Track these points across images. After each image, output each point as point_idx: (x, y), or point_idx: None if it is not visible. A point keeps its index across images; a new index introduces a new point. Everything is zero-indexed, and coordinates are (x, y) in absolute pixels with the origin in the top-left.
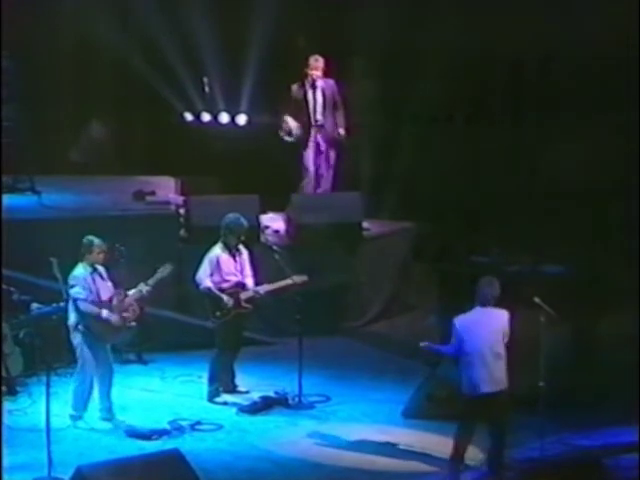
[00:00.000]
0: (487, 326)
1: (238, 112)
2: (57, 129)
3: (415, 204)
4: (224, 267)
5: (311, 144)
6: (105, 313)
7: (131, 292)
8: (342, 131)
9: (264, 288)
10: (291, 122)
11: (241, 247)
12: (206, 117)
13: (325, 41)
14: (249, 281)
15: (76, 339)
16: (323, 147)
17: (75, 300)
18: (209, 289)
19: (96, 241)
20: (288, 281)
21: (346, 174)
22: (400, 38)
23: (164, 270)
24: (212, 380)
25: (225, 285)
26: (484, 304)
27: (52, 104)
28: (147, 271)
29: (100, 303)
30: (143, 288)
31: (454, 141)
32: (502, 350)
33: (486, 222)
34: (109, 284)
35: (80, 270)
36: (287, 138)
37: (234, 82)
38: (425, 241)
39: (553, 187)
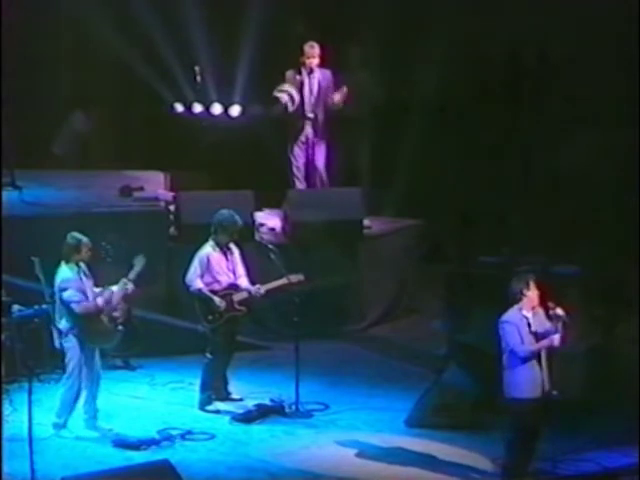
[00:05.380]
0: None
1: (231, 103)
2: (39, 121)
3: (420, 201)
4: (215, 267)
5: (302, 137)
6: (100, 301)
7: (115, 290)
8: (337, 97)
9: (258, 288)
10: (291, 90)
11: (232, 245)
12: (197, 108)
13: (324, 28)
14: (242, 281)
15: (68, 343)
16: (314, 140)
17: (69, 304)
18: (200, 290)
19: (84, 239)
20: (284, 280)
21: (345, 168)
22: (399, 31)
23: (138, 263)
24: (204, 387)
25: (217, 286)
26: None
27: (34, 95)
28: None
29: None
30: (127, 284)
31: (462, 138)
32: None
33: (495, 221)
34: (91, 281)
35: (69, 272)
36: (290, 107)
37: (227, 71)
38: (430, 240)
39: (564, 185)
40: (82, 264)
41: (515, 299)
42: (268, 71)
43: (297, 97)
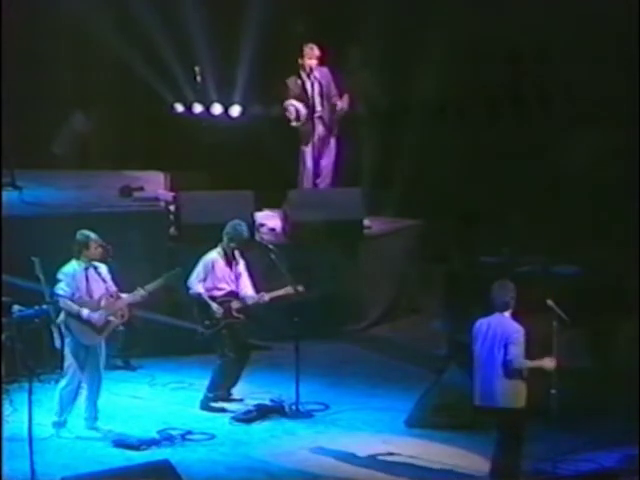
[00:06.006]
0: (493, 336)
1: (231, 103)
2: (39, 121)
3: (420, 201)
4: (218, 273)
5: (312, 137)
6: (85, 313)
7: (125, 295)
8: (340, 104)
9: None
10: (297, 104)
11: (238, 255)
12: (198, 108)
13: (324, 29)
14: (248, 291)
15: (63, 339)
16: (323, 138)
17: (56, 296)
18: (199, 295)
19: (92, 235)
20: (287, 290)
21: (348, 167)
22: (399, 31)
23: (171, 276)
24: (212, 388)
25: (217, 293)
26: (500, 310)
27: (34, 95)
28: (134, 271)
29: (88, 302)
30: (139, 293)
31: (462, 137)
32: (503, 364)
33: (495, 221)
34: (107, 283)
35: (71, 266)
36: (295, 123)
37: (227, 71)
38: (430, 240)
39: (565, 185)
40: (99, 263)
41: (505, 307)
42: (268, 71)
43: (303, 110)
